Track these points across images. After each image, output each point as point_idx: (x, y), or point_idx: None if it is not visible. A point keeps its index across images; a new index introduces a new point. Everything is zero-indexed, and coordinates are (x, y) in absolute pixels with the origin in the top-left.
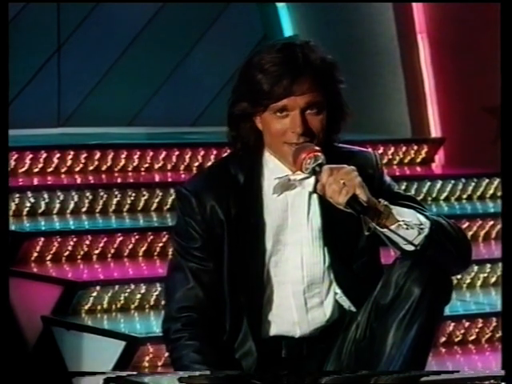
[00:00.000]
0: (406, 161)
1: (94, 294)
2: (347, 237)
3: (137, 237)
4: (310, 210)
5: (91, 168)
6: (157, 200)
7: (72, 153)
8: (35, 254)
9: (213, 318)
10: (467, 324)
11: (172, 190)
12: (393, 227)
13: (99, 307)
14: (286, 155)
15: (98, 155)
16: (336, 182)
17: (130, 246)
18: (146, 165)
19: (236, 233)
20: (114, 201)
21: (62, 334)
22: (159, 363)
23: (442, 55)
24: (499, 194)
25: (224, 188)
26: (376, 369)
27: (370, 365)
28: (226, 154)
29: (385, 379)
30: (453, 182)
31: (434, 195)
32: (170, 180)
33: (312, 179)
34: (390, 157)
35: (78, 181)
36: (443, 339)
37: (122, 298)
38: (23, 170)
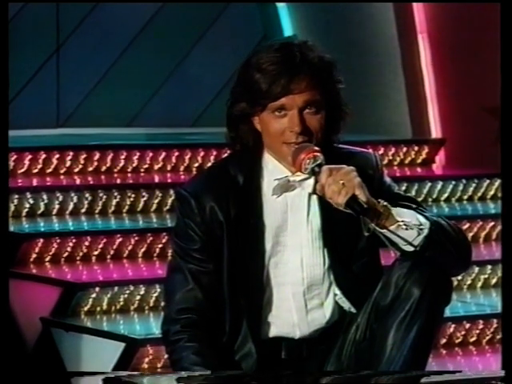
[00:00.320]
0: (406, 161)
1: (94, 295)
2: (347, 238)
3: (136, 238)
4: (309, 211)
5: (90, 169)
6: (156, 201)
7: (71, 153)
8: (34, 255)
9: (212, 319)
10: (468, 325)
11: (172, 191)
12: (392, 228)
13: (98, 308)
14: (285, 156)
15: (97, 156)
16: (335, 182)
17: (130, 247)
18: (146, 166)
19: (235, 234)
20: (114, 202)
21: (61, 335)
22: (159, 365)
23: (442, 55)
24: (500, 194)
25: (223, 189)
26: (376, 370)
27: (370, 366)
28: (225, 155)
29: (386, 379)
30: (453, 182)
31: (435, 196)
32: (169, 181)
33: (311, 180)
34: (391, 157)
35: (78, 182)
36: (444, 340)
37: (121, 300)
38: (22, 170)
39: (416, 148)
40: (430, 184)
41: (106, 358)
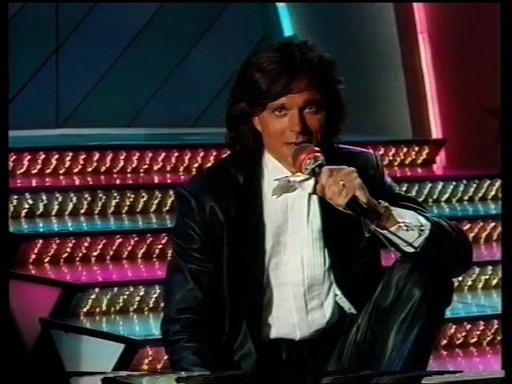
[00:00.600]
0: (406, 162)
1: (93, 296)
2: (347, 238)
3: (136, 238)
4: (309, 212)
5: (90, 169)
6: (156, 201)
7: (70, 154)
8: (33, 256)
9: (212, 319)
10: (468, 326)
11: (171, 192)
12: (393, 229)
13: (98, 309)
14: (286, 156)
15: (96, 156)
16: (336, 183)
17: (129, 248)
18: (145, 166)
19: (235, 234)
20: (113, 202)
21: (61, 336)
22: (158, 366)
23: (442, 55)
24: (501, 195)
25: (223, 189)
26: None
27: (370, 367)
28: (225, 155)
29: (387, 379)
30: (454, 183)
31: (435, 197)
32: (169, 181)
33: (312, 180)
34: (391, 158)
35: (77, 182)
36: (444, 342)
37: (120, 301)
38: (21, 171)
39: (416, 148)
40: (430, 184)
41: (105, 359)
